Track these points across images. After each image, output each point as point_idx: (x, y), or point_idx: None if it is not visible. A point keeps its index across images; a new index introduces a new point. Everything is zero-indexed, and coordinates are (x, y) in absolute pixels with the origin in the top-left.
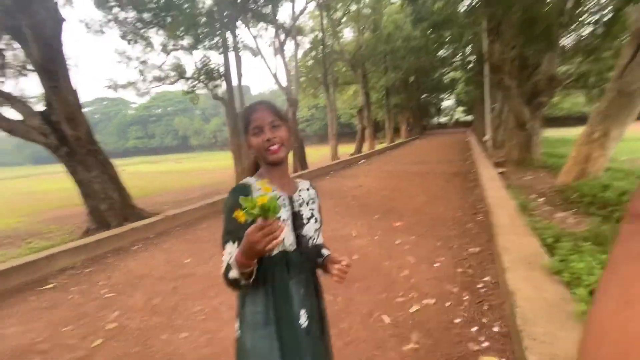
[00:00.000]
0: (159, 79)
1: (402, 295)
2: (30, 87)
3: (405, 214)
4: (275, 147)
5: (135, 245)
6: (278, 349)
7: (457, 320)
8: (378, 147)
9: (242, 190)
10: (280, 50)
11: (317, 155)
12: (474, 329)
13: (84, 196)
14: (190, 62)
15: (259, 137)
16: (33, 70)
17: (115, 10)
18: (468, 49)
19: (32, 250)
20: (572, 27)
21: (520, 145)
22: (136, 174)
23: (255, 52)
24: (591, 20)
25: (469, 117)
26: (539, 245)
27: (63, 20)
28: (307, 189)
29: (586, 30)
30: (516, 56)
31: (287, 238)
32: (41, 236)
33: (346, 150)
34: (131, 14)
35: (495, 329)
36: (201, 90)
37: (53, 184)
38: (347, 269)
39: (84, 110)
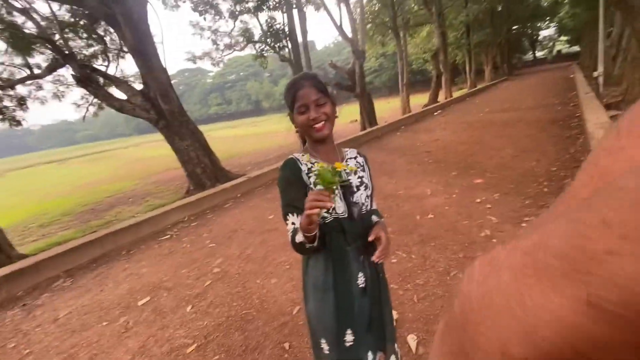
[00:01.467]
0: (229, 46)
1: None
2: (126, 68)
3: (488, 169)
4: (320, 124)
5: (227, 203)
6: (333, 312)
7: None
8: (456, 94)
9: (292, 165)
10: None
11: (387, 108)
12: None
13: (181, 162)
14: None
15: (304, 115)
16: (127, 52)
17: None
18: None
19: (150, 207)
20: None
21: None
22: (219, 138)
23: (318, 6)
24: None
25: (575, 48)
26: None
27: (146, 1)
28: (355, 157)
29: None
30: None
31: (337, 206)
32: (154, 196)
33: (419, 101)
34: None
35: None
36: (268, 53)
37: (156, 150)
38: (384, 251)
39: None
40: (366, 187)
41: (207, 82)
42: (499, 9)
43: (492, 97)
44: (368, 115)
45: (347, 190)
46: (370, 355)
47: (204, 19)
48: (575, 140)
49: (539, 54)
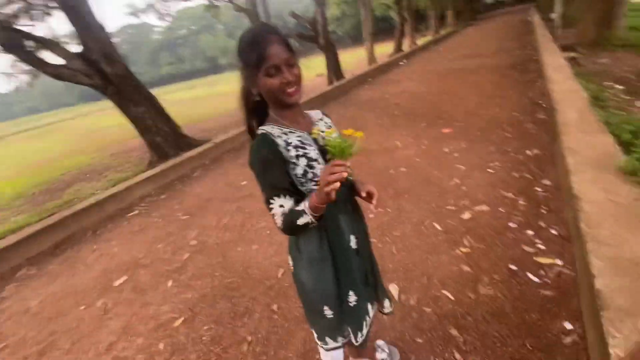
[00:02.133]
0: None
1: (453, 204)
2: (57, 28)
3: (455, 118)
4: (293, 89)
5: (195, 172)
6: (333, 280)
7: (512, 225)
8: (420, 42)
9: (267, 142)
10: None
11: (352, 59)
12: (530, 232)
13: (140, 131)
14: None
15: (275, 78)
16: (54, 8)
17: None
18: None
19: (112, 182)
20: None
21: (597, 20)
22: (176, 102)
23: None
24: None
25: None
26: (611, 143)
27: None
28: (321, 119)
29: None
30: None
31: None
32: (114, 170)
33: (384, 50)
34: None
35: (553, 232)
36: (222, 2)
37: (109, 120)
38: (373, 198)
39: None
40: None
41: (155, 39)
42: None
43: (455, 44)
44: (334, 68)
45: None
46: (369, 306)
47: None
48: (534, 84)
49: None
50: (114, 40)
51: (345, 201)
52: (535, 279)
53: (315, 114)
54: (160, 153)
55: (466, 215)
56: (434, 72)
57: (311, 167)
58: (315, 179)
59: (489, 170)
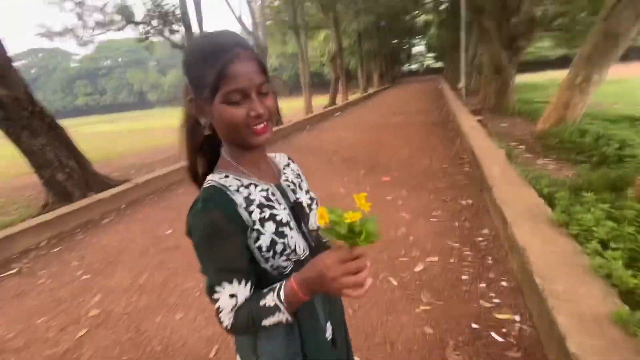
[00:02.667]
0: (102, 25)
1: (404, 255)
2: None
3: (392, 167)
4: (262, 125)
5: (105, 217)
6: None
7: (464, 277)
8: (351, 97)
9: (220, 200)
10: None
11: (290, 108)
12: (482, 285)
13: (35, 166)
14: (139, 3)
15: (240, 107)
16: None
17: None
18: None
19: None
20: None
21: (496, 92)
22: (93, 135)
23: None
24: None
25: (439, 64)
26: (536, 196)
27: None
28: (289, 165)
29: None
30: None
31: (297, 245)
32: None
33: (318, 102)
34: None
35: (504, 284)
36: (156, 37)
37: None
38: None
39: (16, 64)
40: (316, 203)
41: (72, 66)
42: (383, 23)
43: (382, 102)
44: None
45: (304, 217)
46: None
47: None
48: (455, 140)
49: (413, 66)
50: (20, 62)
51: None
52: (500, 339)
53: (280, 158)
54: (61, 193)
55: (419, 267)
56: (367, 124)
57: (281, 234)
58: (287, 253)
59: (432, 219)
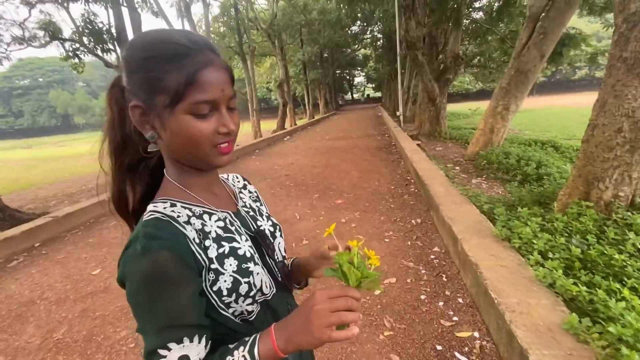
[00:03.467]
0: (21, 40)
1: None
2: None
3: (344, 190)
4: (227, 145)
5: (13, 260)
6: None
7: (423, 297)
8: (299, 122)
9: (166, 236)
10: (186, 12)
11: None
12: (441, 303)
13: None
14: (67, 18)
15: (207, 121)
16: None
17: None
18: (377, 28)
19: None
20: (469, 11)
21: (431, 119)
22: (4, 161)
23: (156, 12)
24: (487, 5)
25: (378, 94)
26: (478, 213)
27: None
28: (245, 187)
29: (479, 16)
30: (427, 34)
31: (264, 282)
32: None
33: (266, 126)
34: None
35: (460, 300)
36: (85, 56)
37: None
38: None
39: None
40: (279, 230)
41: None
42: (326, 55)
43: (328, 127)
44: None
45: (267, 248)
46: None
47: None
48: (399, 163)
49: (355, 95)
50: None
51: (288, 310)
52: (463, 358)
53: (234, 179)
54: None
55: (378, 291)
56: (316, 148)
57: (245, 272)
58: (252, 294)
59: (385, 239)
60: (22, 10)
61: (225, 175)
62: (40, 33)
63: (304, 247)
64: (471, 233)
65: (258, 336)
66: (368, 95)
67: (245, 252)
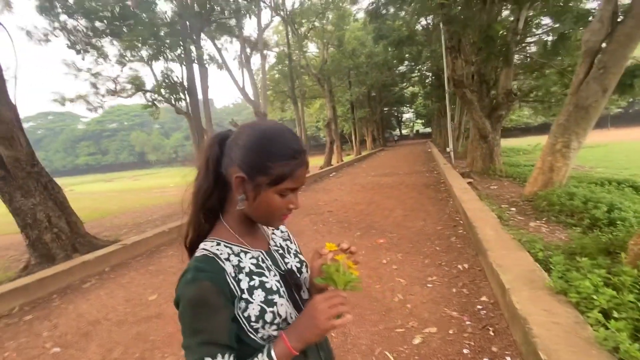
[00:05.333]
0: (113, 92)
1: (400, 325)
2: None
3: (387, 229)
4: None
5: (87, 282)
6: None
7: (466, 351)
8: (346, 159)
9: (211, 269)
10: (246, 63)
11: None
12: None
13: (22, 226)
14: (150, 74)
15: (285, 198)
16: None
17: (63, 17)
18: (426, 66)
19: None
20: (522, 46)
21: (483, 156)
22: (88, 193)
23: (221, 65)
24: (540, 40)
25: (428, 129)
26: (532, 261)
27: None
28: (278, 228)
29: (533, 50)
30: (476, 72)
31: (289, 314)
32: None
33: (314, 162)
34: (81, 22)
35: (508, 359)
36: (162, 104)
37: None
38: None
39: (25, 126)
40: (306, 266)
41: (79, 128)
42: (374, 94)
43: (375, 163)
44: None
45: (296, 284)
46: None
47: (82, 59)
48: (447, 202)
49: (403, 131)
50: (28, 124)
51: (317, 345)
52: None
53: None
54: (45, 254)
55: (417, 340)
56: (361, 185)
57: (270, 303)
58: (277, 322)
59: (428, 285)
60: (116, 68)
61: None
62: (128, 86)
63: None
64: (522, 283)
65: (271, 344)
66: (417, 131)
67: (272, 285)
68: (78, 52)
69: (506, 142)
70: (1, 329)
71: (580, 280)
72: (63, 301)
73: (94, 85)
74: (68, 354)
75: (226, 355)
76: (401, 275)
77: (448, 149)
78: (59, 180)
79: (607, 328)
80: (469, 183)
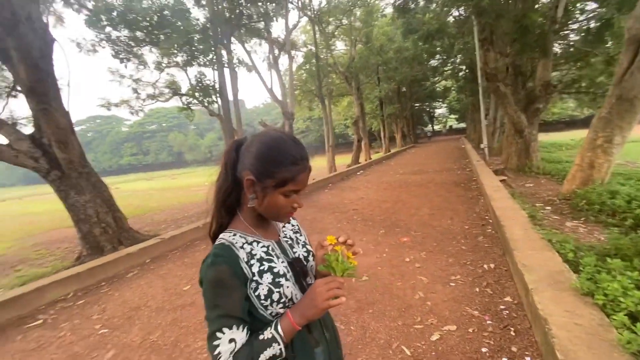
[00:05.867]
0: (152, 97)
1: (420, 322)
2: (21, 109)
3: (412, 227)
4: (293, 212)
5: (130, 272)
6: None
7: (484, 350)
8: (374, 156)
9: (227, 256)
10: (274, 64)
11: (314, 166)
12: (504, 359)
13: (75, 221)
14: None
15: (289, 198)
16: (20, 92)
17: (108, 29)
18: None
19: (21, 279)
20: (562, 34)
21: (519, 152)
22: (131, 191)
23: (250, 68)
24: (581, 28)
25: (462, 125)
26: (560, 261)
27: (53, 40)
28: (289, 221)
29: (575, 38)
30: (510, 64)
31: (294, 295)
32: (31, 263)
33: (342, 161)
34: (124, 33)
35: (528, 359)
36: (196, 106)
37: (45, 205)
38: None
39: (76, 129)
40: (312, 256)
41: (123, 130)
42: (404, 89)
43: (404, 161)
44: None
45: (303, 270)
46: None
47: (125, 66)
48: (478, 200)
49: (436, 127)
50: (80, 127)
51: (322, 326)
52: None
53: None
54: (94, 246)
55: (435, 337)
56: (388, 183)
57: (277, 284)
58: (283, 301)
59: (450, 283)
60: (155, 73)
61: None
62: (166, 90)
63: (362, 283)
64: (546, 284)
65: (279, 319)
66: (451, 126)
67: (279, 270)
68: (121, 60)
69: (547, 137)
70: (58, 311)
71: (608, 282)
72: (110, 288)
73: (135, 91)
74: (114, 335)
75: (240, 327)
76: (423, 273)
77: (482, 145)
78: (105, 180)
79: (633, 332)
80: (502, 181)
